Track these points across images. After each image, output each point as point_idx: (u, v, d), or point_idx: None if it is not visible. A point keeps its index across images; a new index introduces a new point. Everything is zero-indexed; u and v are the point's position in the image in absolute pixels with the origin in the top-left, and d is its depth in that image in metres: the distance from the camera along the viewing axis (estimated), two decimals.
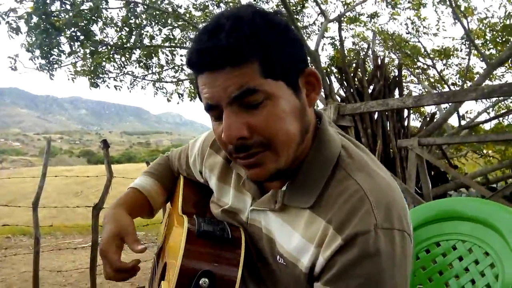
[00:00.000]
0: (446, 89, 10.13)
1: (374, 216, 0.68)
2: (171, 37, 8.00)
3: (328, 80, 6.80)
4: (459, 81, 10.39)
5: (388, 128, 6.48)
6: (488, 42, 8.95)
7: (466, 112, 10.71)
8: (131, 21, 7.11)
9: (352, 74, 6.88)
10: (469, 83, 9.38)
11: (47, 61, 6.30)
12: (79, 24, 5.81)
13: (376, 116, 6.35)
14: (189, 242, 0.81)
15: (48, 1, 5.45)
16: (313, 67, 0.83)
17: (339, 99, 6.72)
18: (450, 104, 6.11)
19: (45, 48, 5.89)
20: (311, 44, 9.19)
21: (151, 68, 8.72)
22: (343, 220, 0.70)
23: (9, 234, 7.13)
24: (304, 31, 9.03)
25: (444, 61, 10.50)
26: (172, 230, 1.03)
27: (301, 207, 0.77)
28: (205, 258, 0.80)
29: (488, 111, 10.41)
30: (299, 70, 0.75)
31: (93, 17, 5.99)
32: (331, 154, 0.78)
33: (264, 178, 0.76)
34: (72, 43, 6.39)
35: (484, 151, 10.83)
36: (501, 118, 10.38)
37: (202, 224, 0.86)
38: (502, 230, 1.05)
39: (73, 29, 5.89)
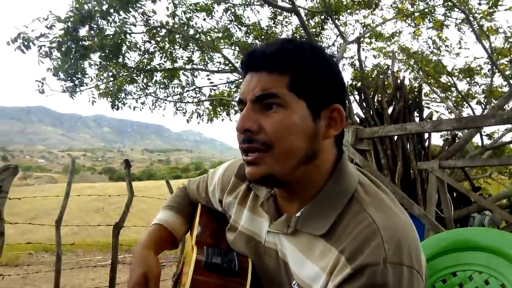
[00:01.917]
0: (469, 109, 9.96)
1: (384, 250, 0.70)
2: (192, 59, 8.19)
3: (347, 101, 6.80)
4: (484, 100, 10.19)
5: (409, 150, 6.39)
6: None
7: (492, 133, 10.36)
8: (153, 45, 7.33)
9: (371, 95, 6.86)
10: (495, 101, 9.18)
11: (72, 84, 6.53)
12: (108, 46, 6.01)
13: (396, 137, 6.28)
14: (196, 273, 0.84)
15: (77, 27, 5.66)
16: None
17: (358, 120, 6.68)
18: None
19: (71, 72, 6.12)
20: None
21: (173, 89, 8.90)
22: (355, 251, 0.72)
23: (32, 250, 7.26)
24: None
25: (468, 79, 10.34)
26: (187, 259, 1.06)
27: (314, 234, 0.80)
28: None
29: None
30: (327, 101, 0.82)
31: (118, 41, 6.19)
32: (347, 187, 0.82)
33: (257, 178, 0.81)
34: (99, 66, 6.62)
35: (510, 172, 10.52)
36: None
37: (210, 255, 0.89)
38: None
39: (101, 52, 6.10)
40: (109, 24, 6.01)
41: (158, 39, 7.32)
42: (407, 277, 0.70)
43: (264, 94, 0.78)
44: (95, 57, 6.25)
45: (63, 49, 5.67)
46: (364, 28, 8.94)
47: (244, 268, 0.88)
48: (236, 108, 8.32)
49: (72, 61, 5.85)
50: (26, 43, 5.58)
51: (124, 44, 6.40)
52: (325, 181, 0.83)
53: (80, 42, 5.76)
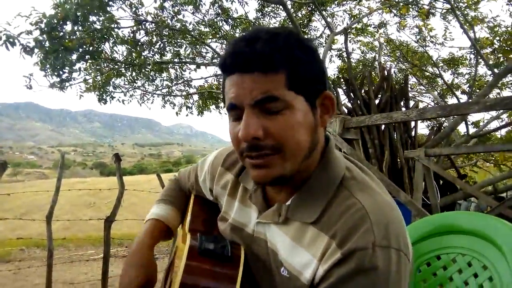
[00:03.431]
0: (455, 99, 10.08)
1: (373, 234, 0.72)
2: (180, 53, 8.15)
3: (335, 92, 6.86)
4: (468, 90, 10.31)
5: (396, 139, 6.49)
6: (496, 52, 8.90)
7: (477, 122, 10.50)
8: (141, 38, 7.30)
9: (358, 86, 6.93)
10: (479, 91, 9.30)
11: (59, 79, 6.50)
12: (90, 43, 5.99)
13: (383, 127, 6.36)
14: (190, 258, 0.85)
15: (58, 25, 5.64)
16: None
17: (346, 110, 6.75)
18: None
19: (57, 67, 6.09)
20: None
21: (161, 82, 8.88)
22: (345, 236, 0.74)
23: (23, 246, 7.24)
24: None
25: (453, 69, 10.45)
26: (180, 246, 1.07)
27: (304, 221, 0.81)
28: (205, 274, 0.84)
29: (500, 117, 10.21)
30: (318, 90, 0.82)
31: (104, 36, 6.15)
32: (335, 174, 0.83)
33: (268, 180, 0.80)
34: (82, 62, 6.59)
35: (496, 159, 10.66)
36: None
37: (204, 242, 0.90)
38: (499, 243, 1.08)
39: (84, 48, 6.07)
40: (93, 21, 5.99)
41: (146, 31, 7.29)
42: (395, 260, 0.72)
43: (265, 97, 0.75)
44: (79, 53, 6.20)
45: (46, 47, 5.64)
46: (352, 19, 8.97)
47: (236, 254, 0.89)
48: None
49: (55, 57, 5.82)
50: (10, 40, 5.56)
51: (111, 38, 6.37)
52: (314, 168, 0.84)
53: (62, 41, 5.73)
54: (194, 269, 0.84)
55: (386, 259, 0.71)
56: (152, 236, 1.11)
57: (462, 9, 8.11)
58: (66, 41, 5.72)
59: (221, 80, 9.41)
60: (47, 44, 5.68)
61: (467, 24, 7.92)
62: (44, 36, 5.64)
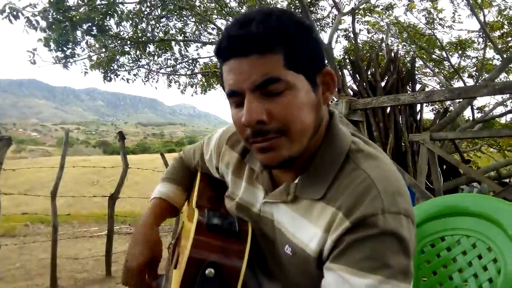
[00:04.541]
0: (461, 83, 9.98)
1: (381, 201, 0.72)
2: (185, 30, 8.06)
3: (341, 74, 6.79)
4: (475, 74, 10.19)
5: (401, 122, 6.45)
6: (505, 35, 8.77)
7: (483, 106, 10.42)
8: (146, 13, 7.19)
9: (365, 68, 6.85)
10: (486, 75, 9.20)
11: (63, 55, 6.44)
12: (95, 18, 5.90)
13: (388, 110, 6.31)
14: (198, 233, 0.85)
15: None
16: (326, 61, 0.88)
17: (351, 92, 6.69)
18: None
19: (62, 42, 6.02)
20: (325, 36, 9.16)
21: (166, 61, 8.79)
22: (351, 206, 0.73)
23: (28, 222, 7.33)
24: (318, 23, 8.98)
25: (460, 53, 10.31)
26: (187, 222, 1.07)
27: (313, 198, 0.81)
28: (212, 249, 0.83)
29: (505, 103, 10.14)
30: (318, 68, 0.81)
31: (109, 12, 6.07)
32: (341, 148, 0.83)
33: (277, 163, 0.79)
34: (87, 37, 6.51)
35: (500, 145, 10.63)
36: None
37: (211, 217, 0.90)
38: (504, 225, 1.08)
39: (89, 24, 5.99)
40: None
41: (151, 5, 7.17)
42: (406, 226, 0.72)
43: (265, 80, 0.74)
44: (84, 28, 6.13)
45: (50, 19, 5.56)
46: None
47: (244, 230, 0.89)
48: None
49: (60, 31, 5.75)
50: (14, 13, 5.48)
51: (115, 14, 6.28)
52: (320, 144, 0.84)
53: (67, 13, 5.65)
54: (202, 244, 0.84)
55: (398, 224, 0.71)
56: (156, 214, 1.12)
57: None
58: (72, 14, 5.63)
59: None
60: (52, 15, 5.58)
61: (477, 7, 7.78)
62: (50, 7, 5.54)
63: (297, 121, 0.75)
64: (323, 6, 9.29)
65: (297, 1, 7.14)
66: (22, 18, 5.54)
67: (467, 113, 9.04)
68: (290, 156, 0.78)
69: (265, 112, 0.75)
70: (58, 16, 5.60)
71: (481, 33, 8.93)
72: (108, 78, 7.95)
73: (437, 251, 1.22)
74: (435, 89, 9.60)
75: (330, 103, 0.86)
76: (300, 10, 7.63)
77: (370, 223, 0.70)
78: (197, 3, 7.94)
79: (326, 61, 0.85)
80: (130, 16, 6.90)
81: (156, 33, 7.75)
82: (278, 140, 0.76)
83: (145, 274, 1.04)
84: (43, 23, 5.84)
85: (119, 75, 8.14)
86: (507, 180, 7.14)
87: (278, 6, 8.52)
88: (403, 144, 6.38)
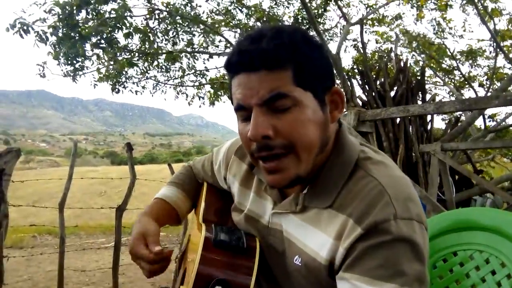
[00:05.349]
0: (472, 91, 9.89)
1: (393, 207, 0.71)
2: (193, 42, 8.10)
3: (349, 84, 6.74)
4: (486, 83, 10.10)
5: (411, 132, 6.37)
6: None
7: (494, 115, 10.29)
8: (154, 27, 7.25)
9: (374, 78, 6.80)
10: (498, 84, 9.11)
11: (73, 68, 6.50)
12: (104, 32, 5.96)
13: (398, 120, 6.25)
14: (205, 250, 0.84)
15: (74, 11, 5.61)
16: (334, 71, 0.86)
17: (360, 103, 6.64)
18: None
19: (71, 56, 6.09)
20: (333, 47, 9.14)
21: (173, 73, 8.84)
22: (362, 212, 0.73)
23: (35, 233, 7.33)
24: (326, 34, 8.98)
25: (471, 62, 10.24)
26: (194, 237, 1.06)
27: (321, 207, 0.81)
28: (220, 266, 0.83)
29: None
30: (327, 86, 0.81)
31: (118, 25, 6.12)
32: (350, 156, 0.83)
33: (284, 184, 0.80)
34: (96, 50, 6.57)
35: None
36: None
37: (219, 233, 0.89)
38: None
39: (98, 37, 6.05)
40: (105, 11, 5.95)
41: (159, 19, 7.24)
42: (419, 232, 0.72)
43: (273, 95, 0.74)
44: (93, 41, 6.19)
45: (59, 34, 5.63)
46: (368, 9, 8.80)
47: (252, 246, 0.88)
48: None
49: (69, 46, 5.81)
50: (25, 28, 5.55)
51: (124, 27, 6.33)
52: (328, 155, 0.84)
53: (76, 28, 5.71)
54: (209, 260, 0.83)
55: (411, 230, 0.71)
56: (153, 212, 1.09)
57: (482, 0, 7.89)
58: (81, 28, 5.70)
59: None
60: (62, 31, 5.66)
61: (487, 16, 7.72)
62: (60, 23, 5.61)
63: (303, 138, 0.76)
64: (331, 17, 9.32)
65: (304, 12, 7.14)
66: (32, 32, 5.61)
67: (479, 122, 8.92)
68: (298, 176, 0.78)
69: (271, 127, 0.75)
70: (68, 31, 5.66)
71: (491, 42, 8.86)
72: (116, 90, 8.00)
73: (450, 266, 1.18)
74: (445, 100, 9.52)
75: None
76: (307, 21, 7.64)
77: (382, 229, 0.70)
78: (205, 16, 8.00)
79: (335, 71, 0.84)
80: (138, 28, 6.96)
81: (164, 44, 7.81)
82: (285, 159, 0.77)
83: (146, 247, 0.96)
84: (52, 38, 5.92)
85: (127, 87, 8.19)
86: None
87: (286, 17, 8.54)
88: (413, 154, 6.29)
